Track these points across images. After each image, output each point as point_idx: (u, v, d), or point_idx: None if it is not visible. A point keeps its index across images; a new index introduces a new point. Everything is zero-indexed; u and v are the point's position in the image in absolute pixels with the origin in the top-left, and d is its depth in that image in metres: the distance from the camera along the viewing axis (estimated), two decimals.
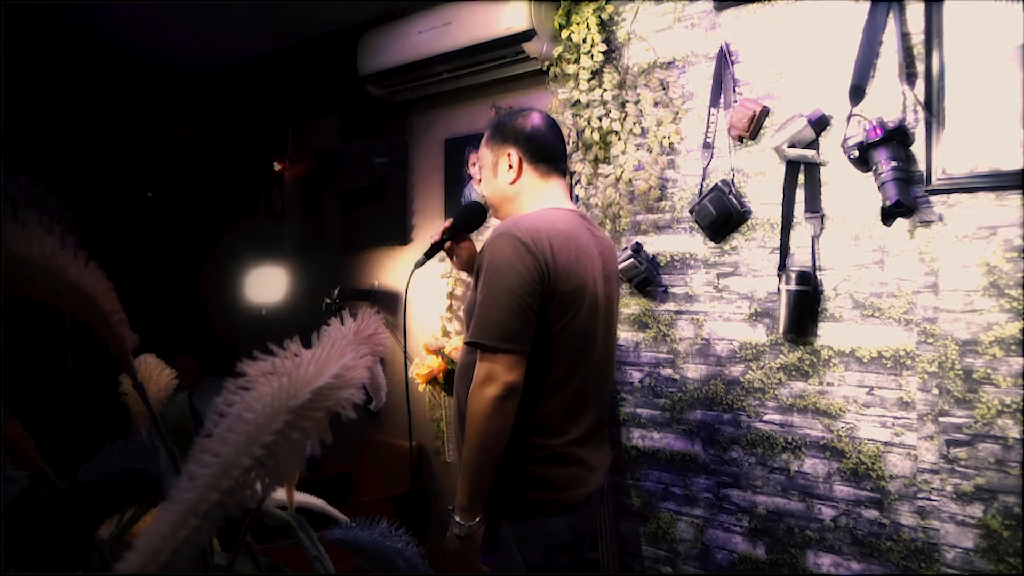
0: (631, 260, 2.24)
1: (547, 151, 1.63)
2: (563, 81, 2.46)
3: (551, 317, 1.46)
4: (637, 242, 2.30)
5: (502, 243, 1.44)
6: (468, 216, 1.81)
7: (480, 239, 1.67)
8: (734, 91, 2.14)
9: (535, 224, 1.47)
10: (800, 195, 2.02)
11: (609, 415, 2.38)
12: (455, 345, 2.63)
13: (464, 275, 2.76)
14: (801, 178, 2.01)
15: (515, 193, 1.63)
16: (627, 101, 2.34)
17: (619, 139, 2.34)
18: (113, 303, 0.51)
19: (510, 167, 1.62)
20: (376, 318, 0.59)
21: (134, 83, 3.92)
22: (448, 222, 1.79)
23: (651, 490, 2.33)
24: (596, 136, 2.35)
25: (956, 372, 1.76)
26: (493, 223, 1.70)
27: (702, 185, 2.20)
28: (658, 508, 2.31)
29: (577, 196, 2.44)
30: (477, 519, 1.46)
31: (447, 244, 1.78)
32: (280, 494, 0.76)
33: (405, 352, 2.12)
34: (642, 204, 2.34)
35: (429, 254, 1.78)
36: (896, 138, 1.78)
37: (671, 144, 2.27)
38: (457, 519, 1.45)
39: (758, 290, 2.10)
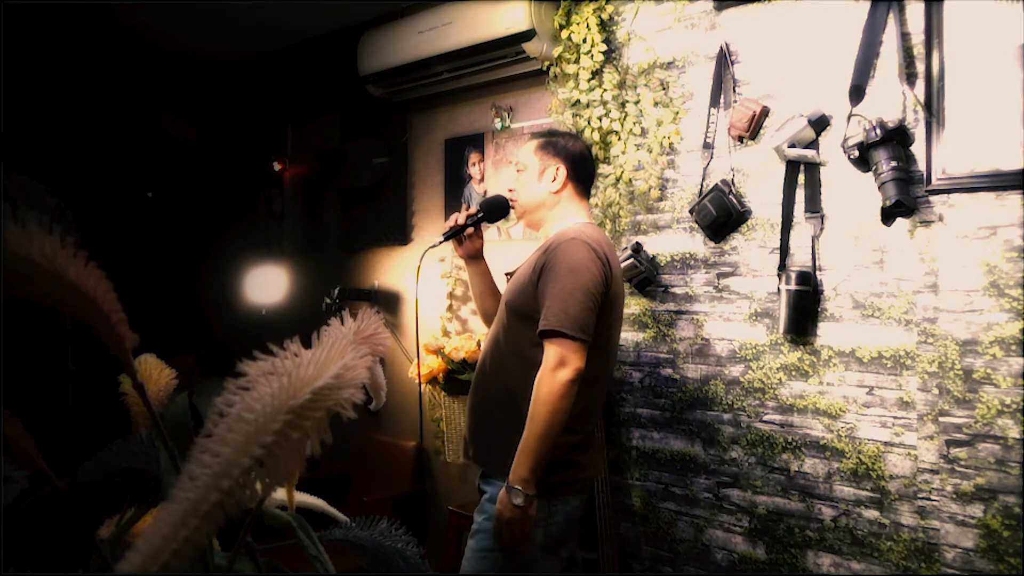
0: (631, 260, 2.24)
1: (588, 176, 1.88)
2: (563, 81, 2.46)
3: (602, 317, 1.66)
4: (637, 242, 2.30)
5: (576, 247, 1.65)
6: (493, 208, 1.93)
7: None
8: (734, 91, 2.14)
9: (594, 235, 1.70)
10: (800, 195, 2.02)
11: (609, 415, 2.40)
12: (455, 345, 2.63)
13: (462, 266, 2.76)
14: (801, 178, 2.01)
15: (554, 201, 1.82)
16: (627, 101, 2.34)
17: (619, 139, 2.34)
18: (113, 303, 0.51)
19: (555, 179, 1.81)
20: (376, 318, 0.59)
21: (134, 82, 3.92)
22: (473, 209, 1.96)
23: (651, 490, 2.33)
24: (596, 136, 2.35)
25: (956, 372, 1.76)
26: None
27: (702, 185, 2.20)
28: (658, 508, 2.31)
29: None
30: (535, 491, 1.59)
31: (469, 230, 1.92)
32: (280, 494, 0.76)
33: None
34: (642, 204, 2.34)
35: (448, 236, 1.90)
36: (896, 138, 1.78)
37: (671, 144, 2.27)
38: (519, 488, 1.57)
39: (758, 290, 2.10)
